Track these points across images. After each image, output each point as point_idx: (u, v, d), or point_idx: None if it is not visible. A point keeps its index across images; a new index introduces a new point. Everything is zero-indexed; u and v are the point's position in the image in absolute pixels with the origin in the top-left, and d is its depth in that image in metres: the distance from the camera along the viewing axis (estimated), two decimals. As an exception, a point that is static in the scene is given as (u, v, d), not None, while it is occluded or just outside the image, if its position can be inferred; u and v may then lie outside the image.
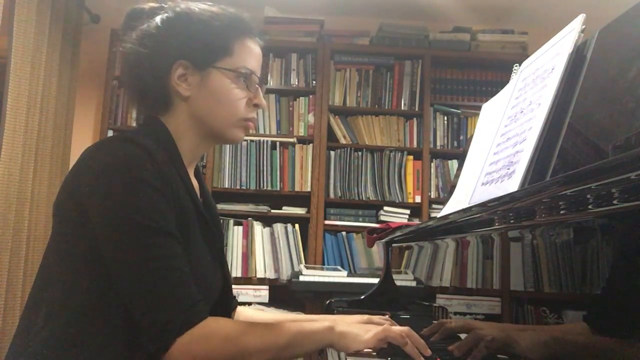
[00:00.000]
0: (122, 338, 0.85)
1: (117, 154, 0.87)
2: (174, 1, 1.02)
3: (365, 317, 1.12)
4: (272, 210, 2.95)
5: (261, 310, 2.47)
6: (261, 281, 2.85)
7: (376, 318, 1.12)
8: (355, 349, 0.91)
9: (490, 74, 3.12)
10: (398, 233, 1.49)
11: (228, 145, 2.96)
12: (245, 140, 2.97)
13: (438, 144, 3.08)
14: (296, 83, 3.09)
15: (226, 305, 1.09)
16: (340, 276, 2.57)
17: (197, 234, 0.94)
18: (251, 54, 1.02)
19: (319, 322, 0.94)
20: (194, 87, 0.98)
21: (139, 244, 0.83)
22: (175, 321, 0.82)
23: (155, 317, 0.82)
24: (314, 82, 3.07)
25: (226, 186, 2.94)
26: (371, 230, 1.66)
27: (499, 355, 0.85)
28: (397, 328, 0.94)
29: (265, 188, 2.95)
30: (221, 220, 2.90)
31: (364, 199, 2.98)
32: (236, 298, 1.20)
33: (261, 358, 0.87)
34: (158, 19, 0.98)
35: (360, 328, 0.93)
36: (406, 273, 1.49)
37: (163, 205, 0.86)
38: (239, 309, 1.22)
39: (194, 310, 0.84)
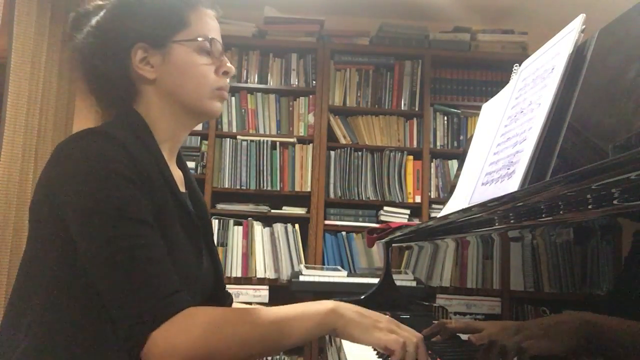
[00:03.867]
0: (112, 344, 0.79)
1: (89, 148, 0.83)
2: None
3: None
4: (272, 210, 2.95)
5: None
6: (261, 281, 2.85)
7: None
8: (362, 341, 0.79)
9: (490, 74, 3.12)
10: (398, 233, 1.49)
11: (228, 146, 2.96)
12: (245, 140, 2.97)
13: (438, 144, 3.09)
14: (296, 83, 3.09)
15: (218, 303, 1.03)
16: (340, 276, 2.58)
17: (176, 227, 0.88)
18: (209, 23, 0.99)
19: (319, 303, 0.82)
20: (158, 68, 0.95)
21: (110, 235, 0.77)
22: (148, 313, 0.75)
23: (127, 311, 0.75)
24: (314, 82, 3.07)
25: (226, 186, 2.94)
26: (371, 230, 1.66)
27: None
28: (411, 340, 0.80)
29: (265, 188, 2.95)
30: (221, 220, 2.85)
31: (364, 199, 2.98)
32: (231, 295, 1.14)
33: (254, 347, 0.78)
34: (104, 9, 0.96)
35: (372, 320, 0.80)
36: (406, 273, 1.49)
37: (138, 196, 0.81)
38: (237, 305, 1.18)
39: (170, 300, 0.77)
